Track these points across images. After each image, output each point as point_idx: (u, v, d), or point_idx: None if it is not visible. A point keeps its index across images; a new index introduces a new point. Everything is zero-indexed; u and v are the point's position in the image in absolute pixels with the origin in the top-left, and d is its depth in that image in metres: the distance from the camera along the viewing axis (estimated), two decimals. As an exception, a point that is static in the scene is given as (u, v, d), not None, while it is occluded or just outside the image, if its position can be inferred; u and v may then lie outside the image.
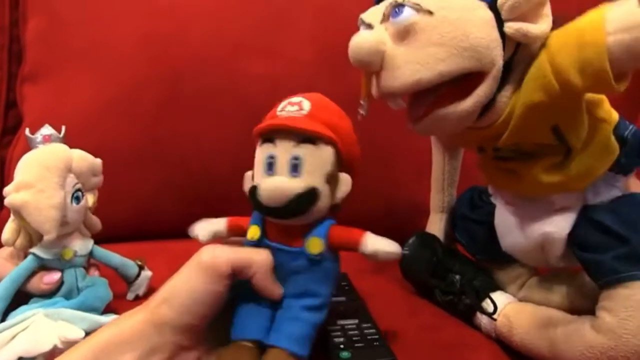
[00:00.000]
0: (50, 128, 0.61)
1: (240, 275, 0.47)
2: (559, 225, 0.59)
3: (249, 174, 0.52)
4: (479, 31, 0.50)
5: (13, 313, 0.56)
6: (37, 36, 0.97)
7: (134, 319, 0.45)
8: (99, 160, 0.64)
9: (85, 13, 0.95)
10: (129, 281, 0.67)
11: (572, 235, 0.59)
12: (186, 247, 0.81)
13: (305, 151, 0.48)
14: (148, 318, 0.45)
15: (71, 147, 0.62)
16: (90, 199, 0.63)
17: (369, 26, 0.55)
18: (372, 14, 0.56)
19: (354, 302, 0.64)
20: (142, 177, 0.91)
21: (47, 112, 0.93)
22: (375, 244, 0.51)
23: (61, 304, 0.57)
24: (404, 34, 0.51)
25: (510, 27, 0.51)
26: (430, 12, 0.50)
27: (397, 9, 0.51)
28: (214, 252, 0.47)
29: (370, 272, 0.79)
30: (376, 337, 0.56)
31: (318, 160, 0.49)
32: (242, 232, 0.54)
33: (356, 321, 0.59)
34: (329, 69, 0.93)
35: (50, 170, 0.57)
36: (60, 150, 0.59)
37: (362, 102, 0.58)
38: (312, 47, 0.94)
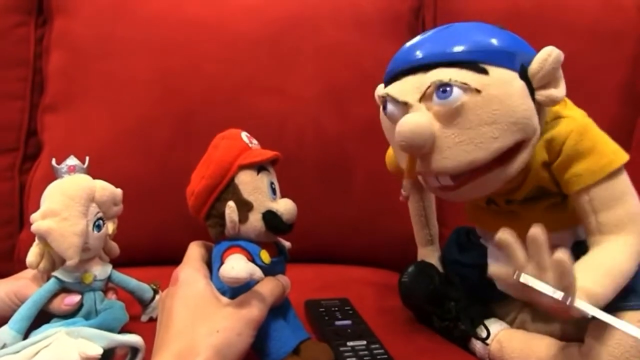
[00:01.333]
0: (75, 159, 0.64)
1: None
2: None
3: (233, 204, 0.54)
4: (522, 103, 0.52)
5: (35, 331, 0.59)
6: (59, 69, 1.01)
7: None
8: (119, 191, 0.66)
9: (104, 49, 0.99)
10: (144, 304, 0.70)
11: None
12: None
13: (274, 177, 0.58)
14: None
15: (89, 175, 0.65)
16: (110, 226, 0.66)
17: (405, 105, 0.54)
18: (405, 91, 0.55)
19: (359, 326, 0.67)
20: (155, 206, 0.94)
21: (65, 142, 0.97)
22: None
23: (80, 323, 0.60)
24: (453, 115, 0.52)
25: (541, 94, 0.53)
26: (478, 91, 0.51)
27: (443, 89, 0.51)
28: (262, 307, 0.52)
29: (371, 298, 0.82)
30: (385, 356, 0.60)
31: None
32: None
33: (364, 342, 0.62)
34: (333, 106, 0.98)
35: (74, 199, 0.60)
36: (84, 181, 0.62)
37: (404, 182, 0.61)
38: (317, 85, 0.99)
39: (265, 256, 0.55)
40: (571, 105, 0.61)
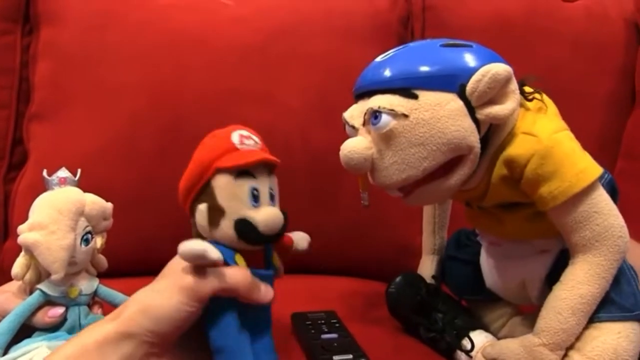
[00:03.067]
0: (66, 171, 0.63)
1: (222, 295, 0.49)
2: (538, 266, 0.64)
3: (204, 207, 0.52)
4: (453, 124, 0.54)
5: (16, 346, 0.58)
6: (45, 78, 1.01)
7: (104, 329, 0.45)
8: (110, 205, 0.66)
9: (91, 58, 0.98)
10: None
11: (549, 276, 0.63)
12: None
13: (273, 182, 0.54)
14: (119, 329, 0.45)
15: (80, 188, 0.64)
16: (99, 241, 0.65)
17: (353, 128, 0.60)
18: (353, 116, 0.60)
19: (345, 339, 0.67)
20: (141, 216, 0.94)
21: (51, 151, 0.97)
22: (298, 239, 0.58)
23: (64, 337, 0.59)
24: (385, 139, 0.56)
25: (481, 113, 0.55)
26: (405, 116, 0.55)
27: (374, 116, 0.56)
28: (198, 278, 0.47)
29: (358, 309, 0.82)
30: (372, 371, 0.60)
31: (277, 188, 0.54)
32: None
33: (351, 356, 0.62)
34: (319, 116, 0.98)
35: (63, 213, 0.59)
36: (74, 194, 0.62)
37: (362, 194, 0.64)
38: (305, 94, 0.99)
39: (240, 261, 0.52)
40: (552, 114, 0.62)
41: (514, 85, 0.56)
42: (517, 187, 0.58)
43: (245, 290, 0.49)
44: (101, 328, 0.46)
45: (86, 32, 0.99)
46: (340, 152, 0.58)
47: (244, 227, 0.50)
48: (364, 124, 0.59)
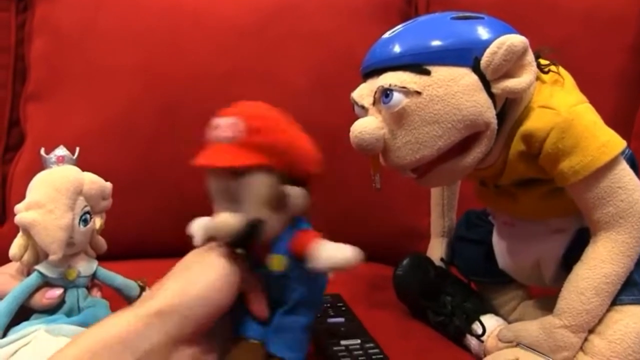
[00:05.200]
0: (64, 149, 0.62)
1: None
2: (554, 246, 0.62)
3: None
4: (469, 100, 0.52)
5: (14, 329, 0.57)
6: (41, 56, 0.99)
7: (125, 320, 0.43)
8: (109, 184, 0.64)
9: (88, 36, 0.97)
10: (130, 301, 0.67)
11: (566, 256, 0.61)
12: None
13: (239, 186, 0.48)
14: (147, 314, 0.43)
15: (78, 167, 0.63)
16: (97, 221, 0.63)
17: (363, 108, 0.58)
18: (363, 95, 0.58)
19: (352, 323, 0.65)
20: (138, 199, 0.93)
21: (48, 131, 0.95)
22: (328, 252, 0.49)
23: (62, 320, 0.58)
24: (397, 118, 0.54)
25: (497, 87, 0.53)
26: (418, 93, 0.52)
27: (385, 94, 0.54)
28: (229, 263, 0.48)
29: (364, 292, 0.80)
30: (380, 356, 0.58)
31: (251, 191, 0.48)
32: None
33: (358, 341, 0.60)
34: (322, 96, 0.95)
35: (61, 192, 0.58)
36: (72, 173, 0.60)
37: (373, 176, 0.61)
38: (306, 74, 0.97)
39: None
40: (569, 86, 0.60)
41: (530, 57, 0.53)
42: (535, 163, 0.56)
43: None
44: (126, 316, 0.44)
45: (82, 8, 0.98)
46: (351, 134, 0.56)
47: None
48: (374, 103, 0.56)
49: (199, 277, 0.47)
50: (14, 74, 1.01)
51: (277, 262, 0.50)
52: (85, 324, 0.57)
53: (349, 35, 0.99)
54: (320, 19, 1.00)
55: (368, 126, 0.55)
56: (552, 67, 0.58)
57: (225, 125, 0.50)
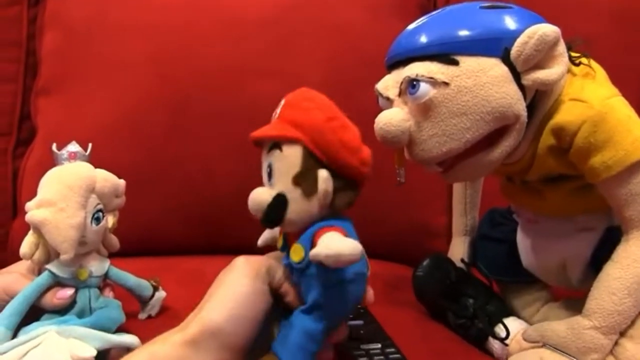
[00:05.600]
0: (76, 145, 0.60)
1: (272, 282, 0.48)
2: (581, 246, 0.61)
3: None
4: (498, 91, 0.51)
5: (25, 329, 0.56)
6: (53, 51, 0.98)
7: (169, 344, 0.44)
8: (122, 182, 0.63)
9: (100, 31, 0.95)
10: (143, 301, 0.67)
11: (594, 256, 0.59)
12: (193, 265, 0.81)
13: (274, 159, 0.47)
14: (186, 340, 0.43)
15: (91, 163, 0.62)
16: (110, 220, 0.62)
17: (387, 99, 0.56)
18: (388, 87, 0.57)
19: (372, 325, 0.63)
20: (149, 196, 0.91)
21: (59, 126, 0.94)
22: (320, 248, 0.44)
23: (73, 322, 0.57)
24: (424, 109, 0.53)
25: (527, 79, 0.52)
26: (446, 84, 0.51)
27: (412, 85, 0.53)
28: (246, 257, 0.48)
29: (383, 293, 0.78)
30: (401, 361, 0.56)
31: (283, 165, 0.47)
32: None
33: (379, 345, 0.59)
34: (338, 91, 0.92)
35: (73, 189, 0.56)
36: (85, 170, 0.59)
37: (398, 170, 0.59)
38: (321, 68, 0.94)
39: (279, 241, 0.50)
40: (601, 79, 0.58)
41: (562, 48, 0.52)
42: (565, 158, 0.55)
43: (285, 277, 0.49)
44: (169, 340, 0.44)
45: (93, 3, 0.97)
46: (375, 125, 0.54)
47: None
48: (399, 95, 0.55)
49: (229, 298, 0.46)
50: (25, 68, 1.00)
51: (295, 251, 0.48)
52: (97, 325, 0.56)
53: (366, 29, 0.97)
54: (336, 12, 0.98)
55: (393, 118, 0.53)
56: (583, 60, 0.57)
57: (285, 102, 0.50)
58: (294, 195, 0.46)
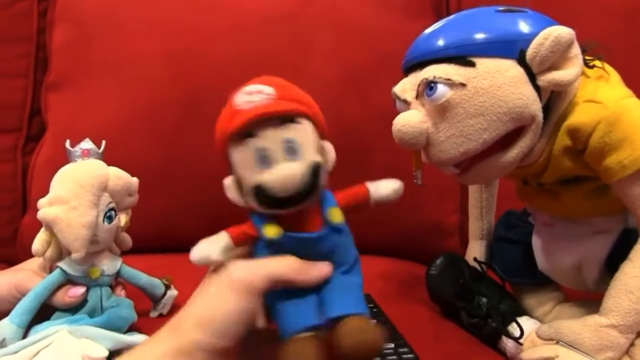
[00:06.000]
0: (90, 142, 0.60)
1: (276, 287, 0.44)
2: (597, 248, 0.60)
3: (229, 181, 0.47)
4: (514, 92, 0.51)
5: (36, 327, 0.56)
6: (63, 45, 0.97)
7: (161, 348, 0.42)
8: (135, 180, 0.63)
9: (112, 26, 0.95)
10: (155, 300, 0.66)
11: (610, 258, 0.59)
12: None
13: (294, 132, 0.45)
14: (176, 346, 0.41)
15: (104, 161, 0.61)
16: (123, 218, 0.62)
17: (405, 102, 0.57)
18: (405, 90, 0.57)
19: (385, 326, 0.63)
20: (162, 193, 0.91)
21: (70, 122, 0.94)
22: (380, 188, 0.49)
23: (84, 321, 0.56)
24: (441, 111, 0.53)
25: (543, 80, 0.52)
26: (463, 85, 0.52)
27: (430, 87, 0.53)
28: (249, 269, 0.44)
29: (394, 291, 0.78)
30: (415, 363, 0.56)
31: (307, 137, 0.46)
32: (249, 239, 0.48)
33: (392, 345, 0.58)
34: (352, 89, 0.93)
35: (85, 188, 0.56)
36: (97, 168, 0.59)
37: (415, 172, 0.60)
38: (335, 65, 0.94)
39: (270, 230, 0.46)
40: (615, 81, 0.58)
41: (577, 50, 0.52)
42: (580, 159, 0.54)
43: (295, 273, 0.45)
44: (159, 346, 0.42)
45: (105, -5, 0.96)
46: (393, 128, 0.55)
47: (259, 193, 0.45)
48: (417, 97, 0.55)
49: (216, 305, 0.44)
50: (35, 63, 1.00)
51: (336, 213, 0.47)
52: (109, 325, 0.56)
53: (380, 27, 0.96)
54: (351, 10, 0.97)
55: (411, 120, 0.54)
56: (597, 62, 0.57)
57: (252, 91, 0.47)
58: (323, 164, 0.46)
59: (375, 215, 0.94)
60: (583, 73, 0.55)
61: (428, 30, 0.58)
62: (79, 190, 0.56)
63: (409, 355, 0.57)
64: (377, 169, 0.92)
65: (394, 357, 0.56)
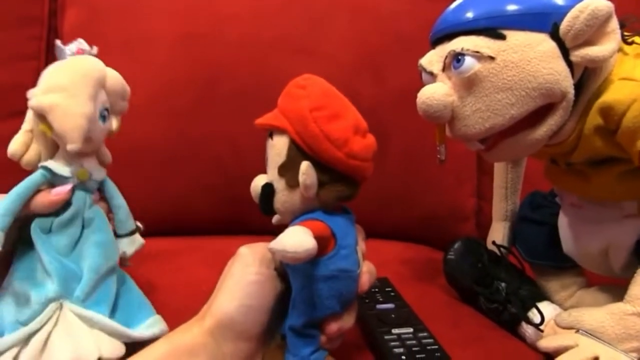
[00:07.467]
0: (84, 43, 0.56)
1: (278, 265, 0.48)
2: (626, 232, 0.58)
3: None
4: (545, 67, 0.49)
5: (18, 265, 0.52)
6: (75, 28, 0.95)
7: (191, 333, 0.45)
8: (128, 87, 0.59)
9: (124, 7, 0.93)
10: (120, 233, 0.59)
11: (639, 244, 0.57)
12: (220, 245, 0.79)
13: (269, 148, 0.49)
14: (205, 330, 0.45)
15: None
16: (114, 123, 0.57)
17: (431, 74, 0.55)
18: (432, 62, 0.56)
19: (403, 310, 0.62)
20: (176, 175, 0.90)
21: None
22: (273, 242, 0.43)
23: (70, 260, 0.52)
24: (468, 84, 0.51)
25: (576, 55, 0.50)
26: (491, 58, 0.50)
27: (457, 59, 0.52)
28: (249, 246, 0.49)
29: (411, 275, 0.77)
30: (435, 347, 0.55)
31: (273, 154, 0.48)
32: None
33: (411, 330, 0.57)
34: (368, 71, 0.91)
35: (87, 77, 0.52)
36: (98, 63, 0.55)
37: (438, 147, 0.59)
38: (351, 47, 0.92)
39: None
40: None
41: (614, 24, 0.49)
42: (612, 139, 0.52)
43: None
44: (189, 332, 0.46)
45: (116, -24, 0.95)
46: (418, 100, 0.53)
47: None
48: (443, 69, 0.54)
49: (237, 288, 0.47)
50: (47, 46, 0.98)
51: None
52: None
53: (397, 9, 0.94)
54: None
55: (436, 92, 0.52)
56: (637, 39, 0.54)
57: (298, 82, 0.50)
58: (280, 186, 0.47)
59: (391, 199, 0.93)
60: (620, 49, 0.53)
61: (457, 2, 0.56)
62: (80, 79, 0.51)
63: (428, 340, 0.56)
64: (393, 152, 0.91)
65: (413, 341, 0.55)
